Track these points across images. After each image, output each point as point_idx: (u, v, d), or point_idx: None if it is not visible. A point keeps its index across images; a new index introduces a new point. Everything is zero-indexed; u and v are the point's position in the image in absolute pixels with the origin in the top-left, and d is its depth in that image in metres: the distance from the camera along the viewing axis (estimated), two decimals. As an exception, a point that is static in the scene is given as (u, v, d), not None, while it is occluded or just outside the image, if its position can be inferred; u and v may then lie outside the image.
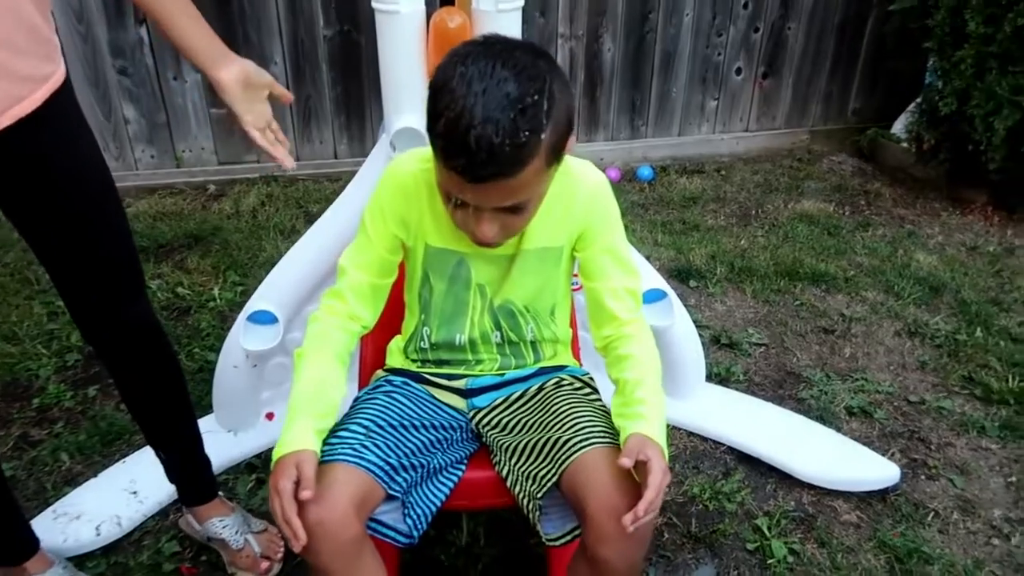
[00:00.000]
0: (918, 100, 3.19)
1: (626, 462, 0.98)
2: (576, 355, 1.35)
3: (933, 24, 2.78)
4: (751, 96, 3.54)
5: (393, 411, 1.16)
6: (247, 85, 1.18)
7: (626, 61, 3.30)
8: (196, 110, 3.03)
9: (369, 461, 1.07)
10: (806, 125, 3.67)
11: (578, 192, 1.14)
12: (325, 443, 1.07)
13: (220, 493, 1.52)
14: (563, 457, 1.08)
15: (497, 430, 1.21)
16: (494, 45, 0.94)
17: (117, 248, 1.20)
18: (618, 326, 1.16)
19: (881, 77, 3.58)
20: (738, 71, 3.46)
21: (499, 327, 1.21)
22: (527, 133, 0.90)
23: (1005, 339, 2.22)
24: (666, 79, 3.39)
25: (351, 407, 1.20)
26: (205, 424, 1.76)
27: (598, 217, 1.16)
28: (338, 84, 3.08)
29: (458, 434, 1.23)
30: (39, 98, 1.02)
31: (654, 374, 1.13)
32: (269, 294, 1.70)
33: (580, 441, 1.09)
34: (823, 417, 1.91)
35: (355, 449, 1.07)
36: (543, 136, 0.93)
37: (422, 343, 1.24)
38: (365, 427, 1.12)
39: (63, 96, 1.07)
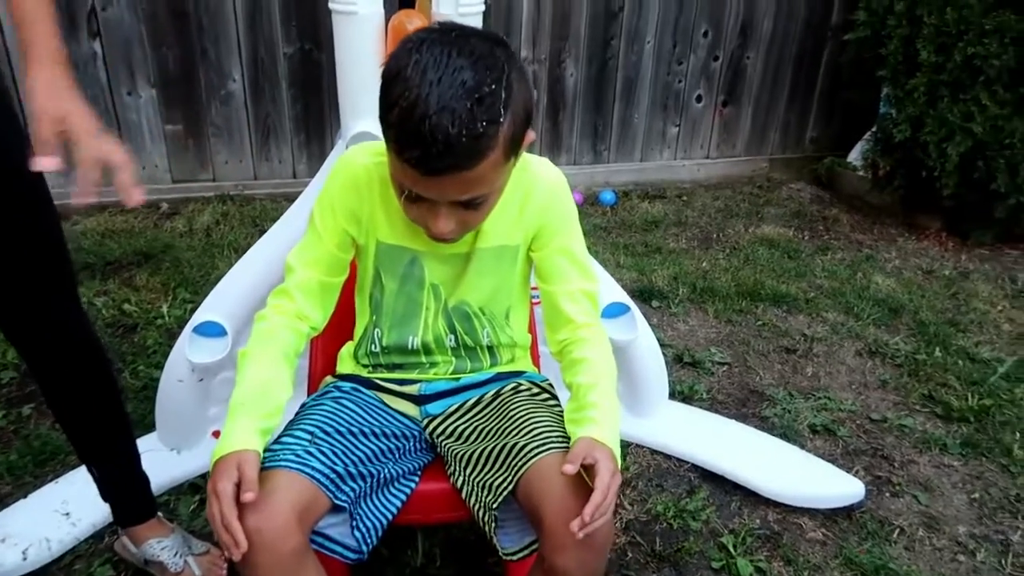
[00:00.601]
0: (873, 129, 3.25)
1: (569, 468, 0.94)
2: (535, 361, 1.30)
3: (886, 53, 2.85)
4: (711, 124, 3.58)
5: (341, 417, 1.10)
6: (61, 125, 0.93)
7: (588, 86, 3.31)
8: (150, 126, 2.96)
9: (313, 468, 1.00)
10: (765, 153, 3.72)
11: (535, 189, 1.10)
12: (267, 449, 1.00)
13: (159, 513, 1.43)
14: (519, 464, 1.03)
15: (452, 439, 1.15)
16: (449, 32, 0.90)
17: (45, 247, 1.13)
18: (573, 329, 1.12)
19: (837, 107, 3.65)
20: (698, 99, 3.50)
21: (454, 330, 1.16)
22: (484, 124, 0.87)
23: (963, 358, 2.23)
24: (628, 105, 3.41)
25: (296, 414, 1.13)
26: (147, 443, 1.68)
27: (554, 216, 1.12)
28: (298, 102, 3.04)
29: (411, 444, 1.17)
30: None
31: (608, 378, 1.09)
32: (217, 304, 1.63)
33: (537, 447, 1.04)
34: (787, 435, 1.88)
35: (298, 455, 1.01)
36: (501, 127, 0.89)
37: (373, 346, 1.18)
38: (310, 432, 1.05)
39: None
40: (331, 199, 1.10)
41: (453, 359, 1.18)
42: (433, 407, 1.18)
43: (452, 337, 1.17)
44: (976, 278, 2.76)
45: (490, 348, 1.19)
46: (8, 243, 1.08)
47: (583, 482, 0.97)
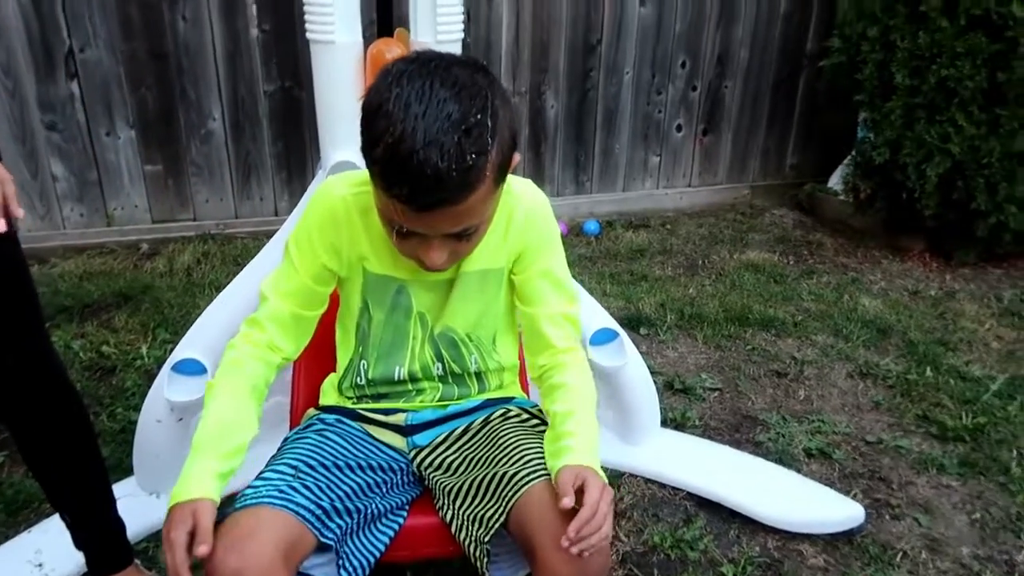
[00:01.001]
0: (852, 154, 3.28)
1: (567, 502, 0.91)
2: (524, 386, 1.27)
3: (862, 78, 2.88)
4: (692, 152, 3.60)
5: (326, 450, 1.06)
6: None
7: (569, 117, 3.33)
8: (129, 166, 2.93)
9: (298, 504, 0.96)
10: (746, 180, 3.74)
11: (516, 211, 1.08)
12: (249, 486, 0.96)
13: (137, 561, 1.37)
14: (510, 493, 1.00)
15: (440, 471, 1.12)
16: (429, 62, 0.88)
17: (11, 286, 1.10)
18: (553, 354, 1.10)
19: (815, 133, 3.69)
20: (679, 128, 3.52)
21: (441, 358, 1.13)
22: (474, 156, 0.84)
23: (955, 378, 2.21)
24: (609, 135, 3.43)
25: (279, 448, 1.09)
26: (124, 487, 1.62)
27: (536, 238, 1.10)
28: (279, 140, 3.03)
29: (398, 477, 1.13)
30: None
31: (586, 404, 1.07)
32: (196, 341, 1.59)
33: (528, 474, 1.00)
34: (782, 459, 1.85)
35: (282, 491, 0.97)
36: (489, 157, 0.87)
37: (358, 378, 1.15)
38: (293, 467, 1.01)
39: None
40: (308, 232, 1.07)
41: (440, 386, 1.16)
42: (420, 437, 1.15)
43: (439, 365, 1.14)
44: (962, 297, 2.76)
45: (478, 374, 1.16)
46: None
47: (576, 510, 0.94)
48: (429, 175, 0.82)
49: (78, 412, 1.24)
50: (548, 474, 1.00)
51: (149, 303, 2.53)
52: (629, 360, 1.69)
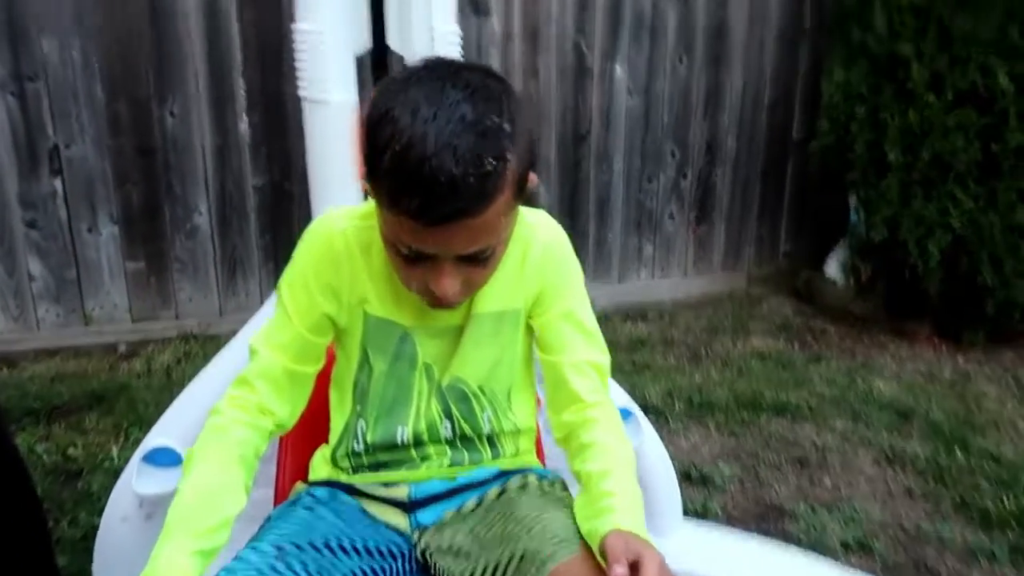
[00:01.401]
0: (844, 238, 3.25)
1: (620, 571, 0.76)
2: (541, 457, 1.13)
3: (854, 157, 2.87)
4: (686, 241, 3.56)
5: (317, 528, 0.91)
6: None
7: (562, 207, 3.29)
8: (110, 263, 2.83)
9: None
10: (742, 269, 3.69)
11: (533, 246, 0.98)
12: (223, 569, 0.80)
13: None
14: (536, 571, 0.84)
15: (449, 557, 0.95)
16: (437, 67, 0.81)
17: None
18: (581, 409, 0.96)
19: (807, 219, 3.67)
20: (671, 216, 3.50)
21: (450, 415, 0.99)
22: (492, 161, 0.75)
23: (988, 460, 2.08)
24: (602, 224, 3.39)
25: (260, 527, 0.94)
26: (82, 601, 1.43)
27: (556, 275, 0.98)
28: (267, 232, 2.95)
29: (399, 564, 0.97)
30: None
31: (624, 464, 0.92)
32: (172, 428, 1.45)
33: (555, 549, 0.85)
34: (817, 552, 1.68)
35: (263, 573, 0.81)
36: (508, 164, 0.78)
37: (355, 444, 1.00)
38: (278, 547, 0.86)
39: None
40: (303, 273, 0.96)
41: (448, 450, 1.00)
42: (425, 515, 0.99)
43: (448, 424, 0.99)
44: (979, 379, 2.65)
45: (490, 438, 1.02)
46: None
47: None
48: (443, 182, 0.73)
49: (34, 510, 1.09)
50: (576, 551, 0.85)
51: (124, 403, 2.37)
52: (646, 438, 1.56)
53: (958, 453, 2.10)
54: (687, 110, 3.39)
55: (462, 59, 1.40)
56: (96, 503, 1.83)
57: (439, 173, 0.73)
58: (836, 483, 2.00)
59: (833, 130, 2.96)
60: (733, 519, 1.82)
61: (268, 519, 0.96)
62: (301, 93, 1.42)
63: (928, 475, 2.02)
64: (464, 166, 0.74)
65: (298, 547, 0.87)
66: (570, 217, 3.32)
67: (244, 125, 2.86)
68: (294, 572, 0.83)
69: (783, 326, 3.22)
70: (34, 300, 2.78)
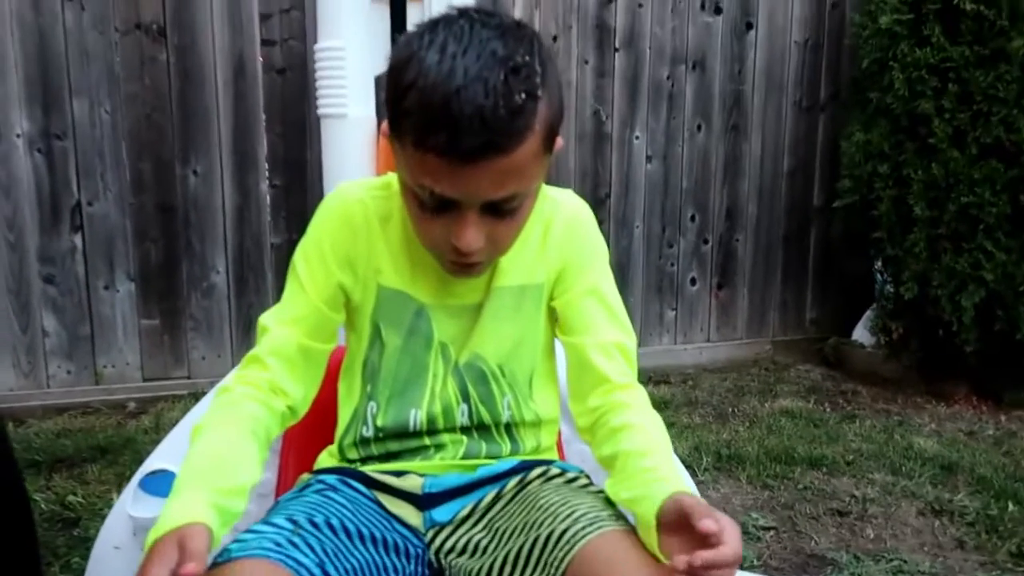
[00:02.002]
0: (873, 306, 3.17)
1: (709, 524, 0.67)
2: (560, 453, 1.04)
3: (879, 214, 2.83)
4: (709, 306, 3.49)
5: (330, 510, 0.82)
6: None
7: (581, 269, 3.26)
8: (124, 321, 2.80)
9: (298, 562, 0.72)
10: (767, 336, 3.60)
11: (555, 219, 0.93)
12: (235, 539, 0.72)
13: None
14: (562, 554, 0.75)
15: (464, 556, 0.86)
16: (465, 11, 0.78)
17: None
18: (608, 391, 0.89)
19: (832, 285, 3.60)
20: (692, 281, 3.44)
21: (467, 397, 0.92)
22: (523, 95, 0.72)
23: (1043, 512, 1.93)
24: (622, 289, 3.32)
25: (268, 511, 0.85)
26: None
27: (580, 250, 0.94)
28: (284, 290, 2.92)
29: (412, 567, 0.87)
30: None
31: (666, 448, 0.85)
32: (172, 452, 1.36)
33: (586, 527, 0.76)
34: (866, 601, 1.54)
35: (279, 543, 0.73)
36: (540, 103, 0.74)
37: (365, 428, 0.93)
38: (293, 521, 0.78)
39: None
40: (319, 242, 0.91)
41: (464, 439, 0.92)
42: (440, 512, 0.90)
43: (464, 407, 0.92)
44: (1024, 437, 2.51)
45: (509, 428, 0.94)
46: None
47: (656, 563, 0.70)
48: (472, 114, 0.69)
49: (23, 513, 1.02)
50: (611, 525, 0.76)
51: (128, 455, 2.30)
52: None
53: (1010, 505, 1.96)
54: (706, 176, 3.40)
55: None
56: (91, 547, 1.73)
57: (467, 105, 0.70)
58: (880, 534, 1.85)
59: (855, 189, 2.93)
60: (771, 569, 1.69)
61: (276, 503, 0.88)
62: (320, 112, 1.42)
63: (980, 526, 1.87)
64: (495, 98, 0.70)
65: (314, 524, 0.79)
66: (589, 279, 3.28)
67: (265, 185, 2.89)
68: (308, 545, 0.75)
69: (812, 388, 3.10)
70: (46, 357, 2.75)
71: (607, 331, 0.92)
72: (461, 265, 0.83)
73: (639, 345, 3.29)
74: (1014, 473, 2.17)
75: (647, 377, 3.25)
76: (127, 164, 2.75)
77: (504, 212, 0.79)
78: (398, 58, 0.76)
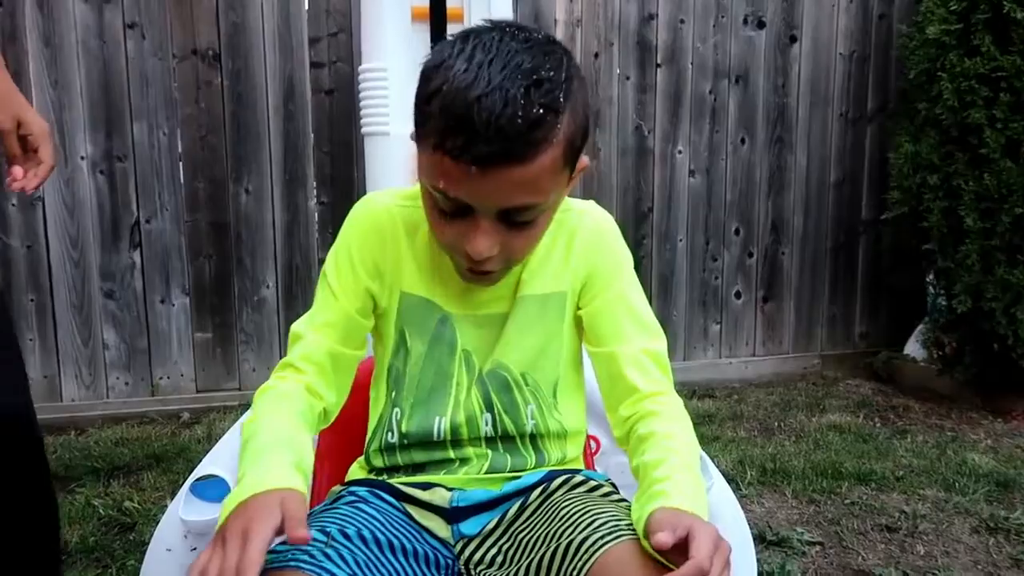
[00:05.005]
0: (925, 319, 3.10)
1: (663, 537, 0.69)
2: (588, 463, 1.05)
3: (930, 225, 2.77)
4: (754, 320, 3.46)
5: (362, 522, 0.85)
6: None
7: (624, 283, 3.26)
8: (180, 335, 2.90)
9: (332, 574, 0.74)
10: (814, 350, 3.54)
11: (580, 229, 0.95)
12: (270, 552, 0.75)
13: None
14: (581, 563, 0.76)
15: (492, 569, 0.88)
16: (499, 24, 0.81)
17: None
18: (638, 401, 0.90)
19: (882, 300, 3.53)
20: (737, 295, 3.41)
21: (491, 407, 0.93)
22: (542, 109, 0.74)
23: (1105, 531, 1.86)
24: (665, 303, 3.33)
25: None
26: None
27: (606, 259, 0.95)
28: (330, 305, 2.99)
29: (443, 576, 0.89)
30: None
31: (683, 451, 0.85)
32: (222, 458, 1.41)
33: (604, 536, 0.77)
34: (914, 618, 1.51)
35: (313, 556, 0.75)
36: (560, 118, 0.76)
37: (390, 435, 0.95)
38: (326, 533, 0.80)
39: None
40: (348, 250, 0.95)
41: (488, 453, 0.94)
42: (468, 525, 0.91)
43: (488, 417, 0.93)
44: (1086, 454, 2.42)
45: (534, 439, 0.95)
46: None
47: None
48: (491, 123, 0.72)
49: (45, 491, 1.07)
50: (630, 536, 0.77)
51: (182, 463, 2.37)
52: (715, 481, 1.44)
53: (1070, 524, 1.89)
54: (750, 189, 3.37)
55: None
56: (146, 551, 1.79)
57: (485, 112, 0.72)
58: (931, 551, 1.81)
59: (905, 200, 2.88)
60: (816, 584, 1.66)
61: (308, 515, 0.91)
62: (364, 130, 1.47)
63: (1037, 546, 1.82)
64: (514, 108, 0.73)
65: (346, 536, 0.81)
66: (633, 293, 3.27)
67: (313, 202, 2.97)
68: (342, 558, 0.77)
69: (862, 403, 3.04)
70: (106, 369, 2.86)
71: (636, 339, 0.93)
72: (475, 272, 0.85)
73: (684, 359, 3.26)
74: (1074, 491, 2.10)
75: (691, 391, 3.23)
76: (183, 183, 2.86)
77: (519, 223, 0.81)
78: (429, 65, 0.80)
